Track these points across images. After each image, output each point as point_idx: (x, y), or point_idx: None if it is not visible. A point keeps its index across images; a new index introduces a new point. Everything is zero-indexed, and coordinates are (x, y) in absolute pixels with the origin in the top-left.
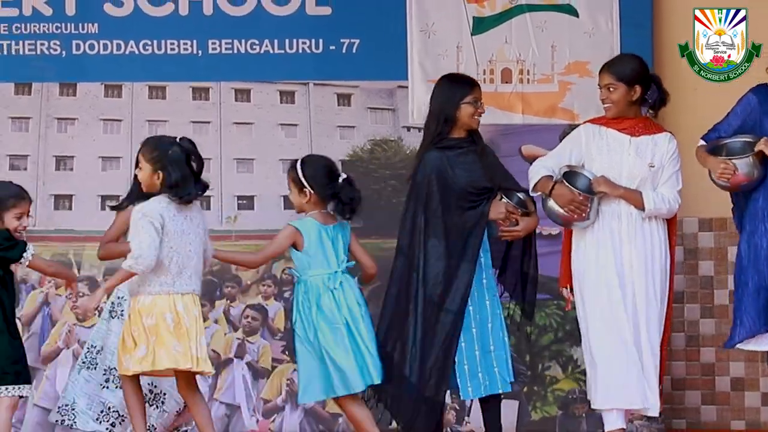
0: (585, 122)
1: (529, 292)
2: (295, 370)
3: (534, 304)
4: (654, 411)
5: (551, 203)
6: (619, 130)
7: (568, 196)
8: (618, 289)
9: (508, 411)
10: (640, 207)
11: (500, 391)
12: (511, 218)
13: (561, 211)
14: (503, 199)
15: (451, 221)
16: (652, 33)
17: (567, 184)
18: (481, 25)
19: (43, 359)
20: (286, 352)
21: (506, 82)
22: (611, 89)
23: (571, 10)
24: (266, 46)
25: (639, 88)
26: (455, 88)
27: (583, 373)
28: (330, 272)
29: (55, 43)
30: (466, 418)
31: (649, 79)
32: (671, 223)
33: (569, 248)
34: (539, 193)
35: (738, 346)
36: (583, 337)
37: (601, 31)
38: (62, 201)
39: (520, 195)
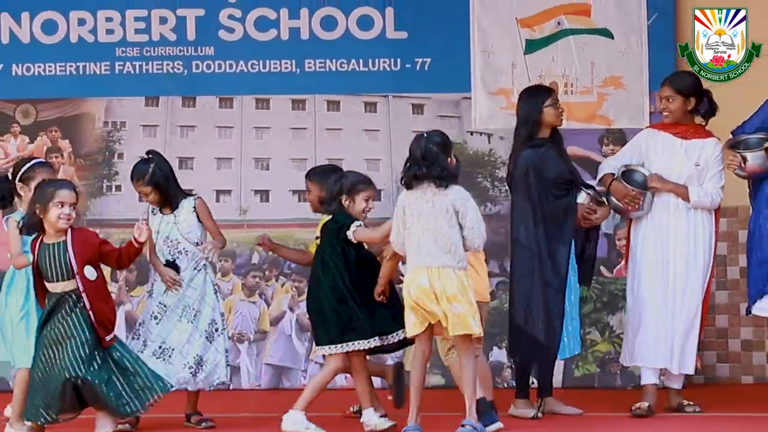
0: (646, 127)
1: (586, 267)
2: None
3: (590, 277)
4: (686, 370)
5: (611, 197)
6: (674, 134)
7: (623, 191)
8: (662, 267)
9: (556, 369)
10: (686, 199)
11: (566, 356)
12: (592, 208)
13: (618, 203)
14: (582, 195)
15: (548, 207)
16: (676, 52)
17: (622, 181)
18: (532, 46)
19: None
20: None
21: None
22: (670, 100)
23: (607, 33)
24: (353, 64)
25: (694, 99)
26: (536, 95)
27: (618, 337)
28: None
29: (178, 64)
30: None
31: (702, 93)
32: (715, 214)
33: (629, 232)
34: (603, 187)
35: (753, 312)
36: (629, 304)
37: (632, 51)
38: None
39: (591, 191)
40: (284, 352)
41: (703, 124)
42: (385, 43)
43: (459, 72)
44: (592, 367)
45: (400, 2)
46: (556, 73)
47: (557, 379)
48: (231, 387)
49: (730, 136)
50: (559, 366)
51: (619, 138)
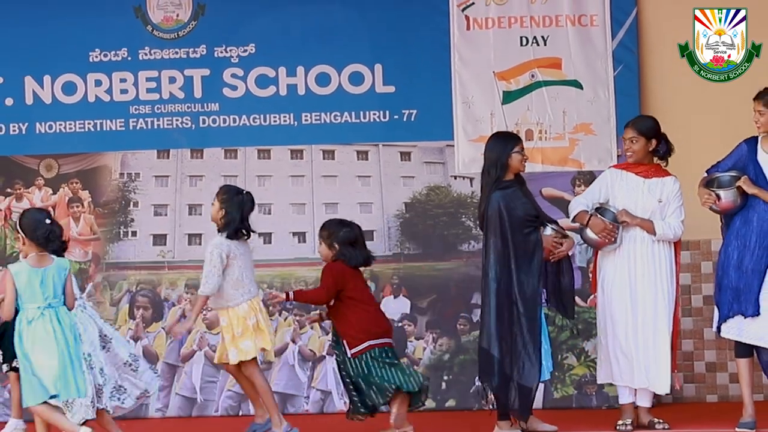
0: (610, 167)
1: (566, 299)
2: None
3: (572, 307)
4: (661, 390)
5: (588, 232)
6: (636, 173)
7: (601, 225)
8: (629, 296)
9: (536, 392)
10: (652, 233)
11: (544, 379)
12: (559, 242)
13: (596, 237)
14: (547, 230)
15: (518, 243)
16: (639, 101)
17: (600, 216)
18: (509, 97)
19: (182, 359)
20: None
21: (529, 140)
22: (634, 141)
23: (577, 84)
24: (346, 116)
25: (655, 141)
26: (505, 141)
27: (593, 361)
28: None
29: (186, 119)
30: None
31: (661, 135)
32: (676, 246)
33: (596, 264)
34: (577, 223)
35: (722, 334)
36: (599, 330)
37: (600, 100)
38: (194, 238)
39: (555, 226)
40: (288, 380)
41: (663, 164)
42: (374, 96)
43: (442, 122)
44: (570, 389)
45: (388, 59)
46: (531, 121)
47: (538, 400)
48: (240, 413)
49: (704, 174)
50: (539, 388)
51: (590, 179)
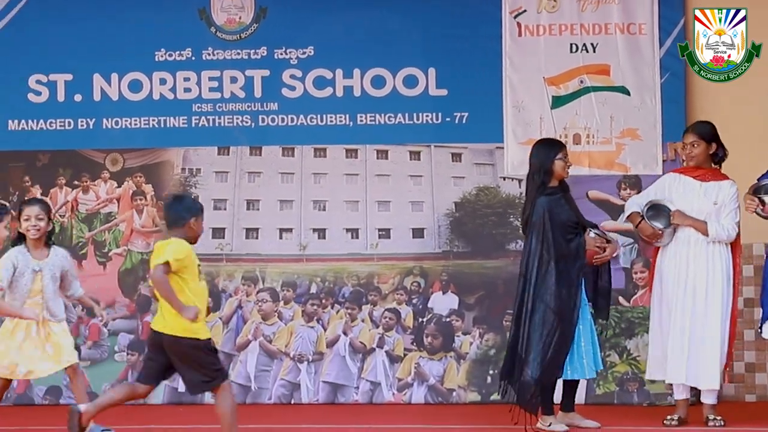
0: (669, 172)
1: (601, 300)
2: (421, 356)
3: (606, 309)
4: (708, 385)
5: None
6: (693, 177)
7: (649, 230)
8: (682, 294)
9: (579, 388)
10: (705, 234)
11: (586, 377)
12: (602, 247)
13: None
14: (591, 234)
15: (560, 250)
16: (685, 108)
17: (647, 221)
18: (558, 102)
19: (237, 348)
20: (414, 344)
21: (576, 144)
22: (695, 145)
23: (624, 90)
24: (399, 118)
25: (714, 145)
26: (549, 148)
27: (634, 359)
28: None
29: (246, 118)
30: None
31: (719, 140)
32: (735, 247)
33: (655, 260)
34: (629, 222)
35: (763, 334)
36: (651, 328)
37: (647, 106)
38: (251, 232)
39: (597, 231)
40: (339, 371)
41: (718, 168)
42: (427, 99)
43: (493, 125)
44: (612, 386)
45: (441, 64)
46: (579, 126)
47: (580, 396)
48: (293, 402)
49: (755, 181)
50: (582, 385)
51: (635, 183)
